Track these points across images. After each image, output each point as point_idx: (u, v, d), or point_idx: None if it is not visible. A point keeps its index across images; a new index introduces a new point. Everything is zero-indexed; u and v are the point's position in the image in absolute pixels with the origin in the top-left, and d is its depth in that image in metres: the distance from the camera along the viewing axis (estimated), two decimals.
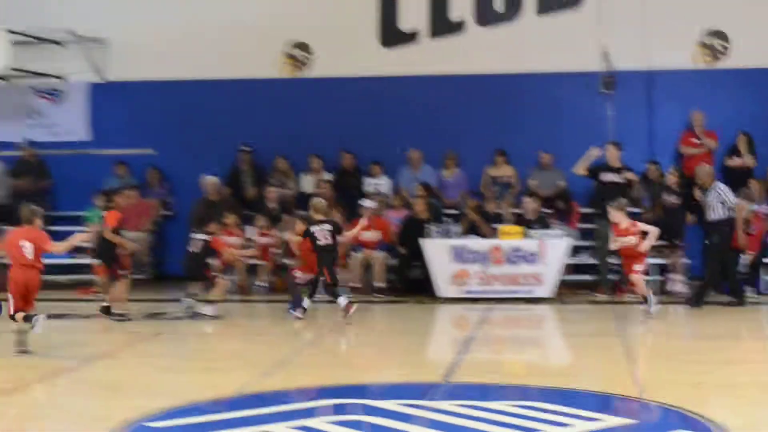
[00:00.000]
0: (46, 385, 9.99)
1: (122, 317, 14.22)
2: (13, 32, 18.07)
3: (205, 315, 14.57)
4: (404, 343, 13.01)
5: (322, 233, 14.18)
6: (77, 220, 18.64)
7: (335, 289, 14.33)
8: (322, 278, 14.26)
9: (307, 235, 14.25)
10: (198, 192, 18.55)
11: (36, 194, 18.91)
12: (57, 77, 19.67)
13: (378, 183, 18.74)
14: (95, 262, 16.98)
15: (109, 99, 19.55)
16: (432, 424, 7.85)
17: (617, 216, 13.91)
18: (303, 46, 19.19)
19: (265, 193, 18.36)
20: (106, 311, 14.43)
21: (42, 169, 19.26)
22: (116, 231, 14.46)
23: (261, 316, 16.32)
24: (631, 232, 13.99)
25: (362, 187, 18.71)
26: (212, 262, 15.58)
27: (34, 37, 19.04)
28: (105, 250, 14.56)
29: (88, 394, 9.68)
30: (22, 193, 18.92)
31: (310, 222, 14.47)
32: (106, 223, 14.50)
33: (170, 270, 19.19)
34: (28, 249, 11.19)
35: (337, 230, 14.34)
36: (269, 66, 19.12)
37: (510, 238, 16.40)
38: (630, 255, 14.24)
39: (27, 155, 19.29)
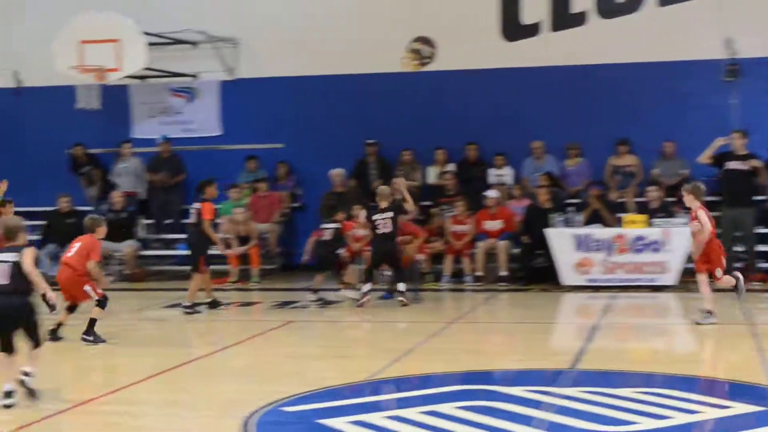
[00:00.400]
0: (183, 372, 10.40)
1: (192, 310, 14.39)
2: (149, 34, 18.74)
3: (341, 300, 14.96)
4: (529, 331, 13.19)
5: (383, 221, 14.46)
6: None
7: (402, 275, 14.65)
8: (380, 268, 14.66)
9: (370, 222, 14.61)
10: (325, 185, 18.98)
11: (171, 188, 19.66)
12: (190, 76, 20.30)
13: (501, 174, 18.93)
14: (230, 252, 17.60)
15: (240, 96, 20.05)
16: (559, 410, 8.03)
17: (687, 199, 13.12)
18: (426, 41, 19.43)
19: (390, 185, 18.65)
20: (215, 305, 14.79)
21: (177, 164, 19.86)
22: (211, 223, 14.66)
23: (387, 304, 16.61)
24: (694, 218, 13.08)
25: (486, 178, 18.92)
26: (341, 251, 15.95)
27: (169, 39, 19.69)
28: (197, 241, 14.69)
29: (224, 380, 10.08)
30: (159, 188, 19.69)
31: (375, 210, 14.80)
32: (203, 215, 14.50)
33: (299, 260, 19.68)
34: (74, 250, 11.74)
35: (400, 213, 14.70)
36: (393, 61, 19.40)
37: (634, 226, 16.44)
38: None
39: (163, 151, 19.94)
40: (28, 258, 8.61)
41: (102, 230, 11.90)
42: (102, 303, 11.65)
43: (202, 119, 20.36)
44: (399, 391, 9.23)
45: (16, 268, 8.56)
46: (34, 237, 19.06)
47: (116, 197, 19.22)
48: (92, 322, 11.66)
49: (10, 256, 8.63)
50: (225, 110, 20.24)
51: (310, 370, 10.42)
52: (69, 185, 19.63)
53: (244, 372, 10.52)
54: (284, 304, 15.46)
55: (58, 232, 18.61)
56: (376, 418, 7.93)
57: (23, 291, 8.60)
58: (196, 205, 14.69)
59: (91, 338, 11.65)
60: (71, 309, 11.85)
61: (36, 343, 8.71)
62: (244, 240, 18.31)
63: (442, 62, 19.36)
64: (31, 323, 8.64)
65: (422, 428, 7.61)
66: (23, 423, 8.11)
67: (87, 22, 18.56)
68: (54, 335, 11.61)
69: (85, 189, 20.18)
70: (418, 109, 19.36)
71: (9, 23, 20.61)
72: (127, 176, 19.90)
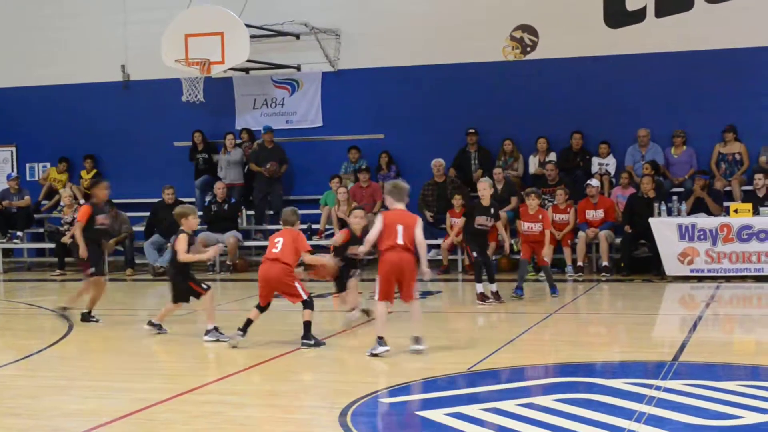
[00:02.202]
0: (285, 362, 10.49)
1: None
2: (252, 27, 18.98)
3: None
4: (631, 322, 13.06)
5: (482, 217, 14.28)
6: (313, 204, 19.49)
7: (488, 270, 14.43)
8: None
9: (467, 216, 14.50)
10: (426, 174, 19.01)
11: (274, 179, 19.88)
12: (293, 68, 20.48)
13: (605, 163, 18.72)
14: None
15: (341, 86, 20.20)
16: (660, 403, 7.94)
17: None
18: (529, 29, 19.31)
19: (491, 174, 18.62)
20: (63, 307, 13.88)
21: (280, 154, 20.10)
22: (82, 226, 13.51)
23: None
24: None
25: (589, 167, 18.74)
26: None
27: (272, 31, 19.89)
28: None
29: (324, 371, 10.18)
30: (262, 178, 19.93)
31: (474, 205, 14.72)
32: (78, 217, 13.70)
33: None
34: (279, 245, 11.19)
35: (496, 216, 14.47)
36: (495, 50, 19.32)
37: (740, 215, 16.13)
38: None
39: (266, 142, 20.18)
40: (180, 244, 10.34)
41: (299, 223, 11.57)
42: (309, 304, 11.14)
43: (305, 110, 20.56)
44: (497, 382, 9.22)
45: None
46: (139, 228, 19.51)
47: (219, 188, 19.50)
48: (307, 325, 11.11)
49: None
50: (327, 101, 20.40)
51: (409, 361, 10.39)
52: (173, 177, 19.99)
53: (344, 362, 10.59)
54: None
55: (163, 223, 18.98)
56: (474, 410, 7.92)
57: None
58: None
59: (311, 342, 11.03)
60: (263, 309, 11.32)
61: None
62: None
63: (545, 50, 19.22)
64: None
65: (520, 421, 7.59)
66: (126, 412, 8.31)
67: (192, 16, 18.88)
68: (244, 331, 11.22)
69: (195, 178, 20.53)
70: (519, 98, 19.27)
71: (117, 18, 21.02)
72: (230, 167, 20.18)
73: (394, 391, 8.78)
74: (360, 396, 8.52)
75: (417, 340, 10.40)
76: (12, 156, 22.25)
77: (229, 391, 9.14)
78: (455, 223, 18.05)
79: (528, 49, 19.40)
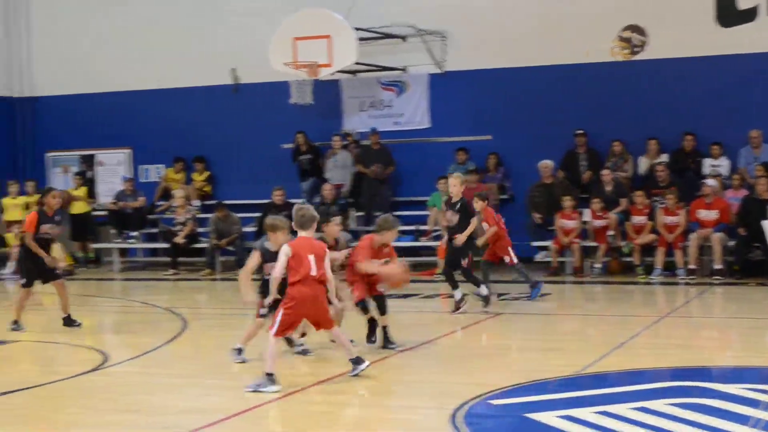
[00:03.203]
0: (393, 362, 10.57)
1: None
2: (359, 29, 19.11)
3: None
4: (745, 326, 12.81)
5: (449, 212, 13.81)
6: (420, 205, 19.54)
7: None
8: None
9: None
10: (534, 176, 18.92)
11: (381, 180, 19.99)
12: (399, 69, 20.54)
13: (717, 164, 18.37)
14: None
15: (448, 88, 20.17)
16: None
17: None
18: (637, 29, 19.06)
19: (600, 176, 18.47)
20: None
21: (386, 156, 20.19)
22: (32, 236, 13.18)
23: (597, 298, 16.48)
24: None
25: (700, 169, 18.43)
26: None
27: (379, 33, 20.01)
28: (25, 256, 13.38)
29: (434, 371, 10.20)
30: (369, 180, 20.04)
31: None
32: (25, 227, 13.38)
33: None
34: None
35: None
36: (604, 50, 19.11)
37: None
38: None
39: (372, 143, 20.30)
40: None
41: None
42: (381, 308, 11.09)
43: (411, 112, 20.60)
44: (609, 386, 9.13)
45: None
46: (250, 229, 19.80)
47: (327, 190, 19.69)
48: (384, 329, 11.17)
49: None
50: (434, 102, 20.41)
51: (519, 363, 10.46)
52: (283, 178, 20.24)
53: (453, 363, 10.59)
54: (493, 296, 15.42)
55: None
56: (584, 413, 7.87)
57: None
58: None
59: (393, 345, 11.07)
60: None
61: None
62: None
63: (654, 50, 18.94)
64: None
65: (632, 424, 7.52)
66: (238, 410, 8.43)
67: (300, 20, 19.08)
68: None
69: (300, 180, 20.73)
70: (629, 99, 19.03)
71: (227, 23, 21.38)
72: (337, 169, 20.34)
73: (504, 392, 8.76)
74: (469, 398, 8.52)
75: (357, 361, 9.49)
76: (127, 158, 22.77)
77: (338, 391, 9.22)
78: (564, 224, 17.95)
79: (637, 49, 19.15)
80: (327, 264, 9.26)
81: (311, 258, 9.11)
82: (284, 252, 9.14)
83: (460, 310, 13.47)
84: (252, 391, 8.90)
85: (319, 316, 9.30)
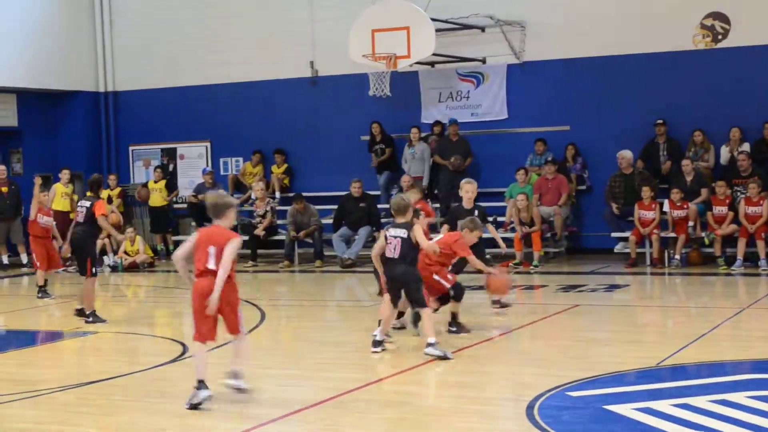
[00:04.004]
0: (471, 354, 10.52)
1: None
2: (437, 20, 19.10)
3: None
4: None
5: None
6: (498, 196, 19.48)
7: None
8: None
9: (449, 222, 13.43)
10: (613, 166, 18.76)
11: (459, 172, 19.94)
12: (478, 60, 20.48)
13: None
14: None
15: (527, 78, 20.06)
16: None
17: None
18: (720, 17, 18.76)
19: (680, 166, 18.23)
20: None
21: (465, 148, 20.14)
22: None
23: (676, 289, 16.29)
24: None
25: None
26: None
27: (457, 24, 19.96)
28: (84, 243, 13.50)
29: (510, 363, 10.20)
30: (447, 171, 20.02)
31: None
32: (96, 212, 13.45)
33: (585, 243, 19.57)
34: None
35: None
36: (685, 38, 18.86)
37: None
38: None
39: (451, 135, 20.25)
40: (418, 233, 10.07)
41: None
42: (457, 295, 11.22)
43: (489, 103, 20.51)
44: (688, 378, 9.04)
45: (407, 242, 10.01)
46: (328, 221, 19.92)
47: (405, 181, 19.71)
48: (454, 315, 11.33)
49: (401, 232, 10.05)
50: (512, 93, 20.31)
51: (597, 355, 10.38)
52: (361, 170, 20.33)
53: (530, 355, 10.58)
54: (570, 288, 15.41)
55: (351, 215, 19.39)
56: (663, 405, 7.81)
57: (410, 261, 10.12)
58: (86, 203, 13.48)
59: (454, 329, 11.30)
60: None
61: (417, 304, 10.27)
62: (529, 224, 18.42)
63: (737, 38, 18.62)
64: (412, 289, 10.14)
65: (712, 417, 7.44)
66: (317, 400, 8.52)
67: (378, 12, 19.12)
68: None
69: (377, 173, 20.80)
70: (710, 88, 18.75)
71: (305, 16, 21.51)
72: (415, 161, 20.36)
73: (582, 384, 8.72)
74: (547, 389, 8.51)
75: (235, 374, 8.77)
76: (207, 151, 23.05)
77: (416, 381, 9.24)
78: (644, 215, 17.78)
79: (719, 37, 18.84)
80: (225, 255, 8.38)
81: (211, 250, 8.41)
82: (191, 238, 8.63)
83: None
84: (189, 407, 8.34)
85: (224, 313, 8.59)
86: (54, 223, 16.21)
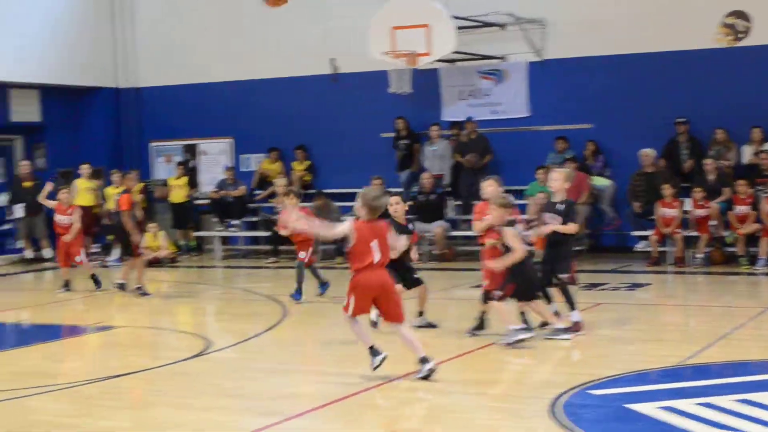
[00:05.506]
0: (489, 352, 10.54)
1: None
2: (457, 18, 19.12)
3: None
4: None
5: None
6: (518, 195, 19.46)
7: None
8: None
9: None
10: (634, 164, 18.74)
11: (478, 170, 19.96)
12: (498, 58, 20.47)
13: None
14: None
15: (547, 76, 20.04)
16: None
17: None
18: (741, 15, 18.69)
19: (703, 165, 18.19)
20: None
21: (484, 145, 20.13)
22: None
23: (698, 288, 16.26)
24: None
25: None
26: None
27: (477, 22, 19.97)
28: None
29: (530, 361, 10.20)
30: (466, 169, 20.05)
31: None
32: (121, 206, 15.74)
33: (605, 241, 19.54)
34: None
35: None
36: (706, 36, 18.80)
37: None
38: None
39: (470, 133, 20.28)
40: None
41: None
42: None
43: (510, 101, 20.50)
44: (711, 377, 9.04)
45: None
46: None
47: (426, 179, 19.76)
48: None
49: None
50: (532, 91, 20.30)
51: (619, 353, 10.39)
52: (382, 168, 20.35)
53: (550, 353, 10.56)
54: (592, 286, 15.37)
55: None
56: (686, 404, 7.82)
57: None
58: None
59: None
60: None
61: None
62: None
63: (759, 36, 18.54)
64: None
65: (735, 416, 7.46)
66: (339, 396, 8.58)
67: (398, 9, 19.13)
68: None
69: (398, 170, 20.84)
70: (732, 86, 18.67)
71: (325, 13, 21.57)
72: (436, 159, 20.39)
73: (604, 383, 8.74)
74: (569, 387, 8.54)
75: (425, 360, 9.15)
76: (229, 148, 23.14)
77: (440, 378, 9.24)
78: (665, 214, 17.75)
79: (741, 35, 18.78)
80: None
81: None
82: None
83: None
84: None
85: None
86: (73, 220, 16.33)
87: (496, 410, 8.26)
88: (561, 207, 11.29)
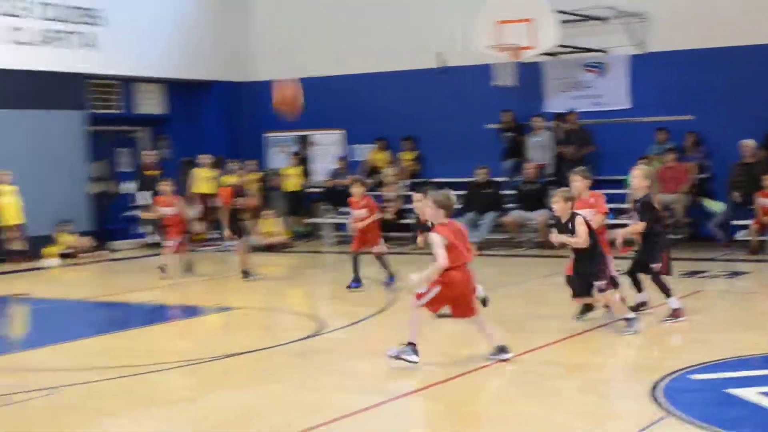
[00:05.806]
0: (593, 336, 10.74)
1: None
2: (560, 12, 19.52)
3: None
4: None
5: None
6: (619, 184, 19.77)
7: None
8: None
9: None
10: (734, 155, 18.90)
11: (580, 161, 20.30)
12: (600, 51, 20.72)
13: None
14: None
15: (649, 69, 20.24)
16: None
17: None
18: None
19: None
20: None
21: (586, 137, 20.45)
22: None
23: None
24: None
25: None
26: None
27: (580, 16, 20.29)
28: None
29: (636, 346, 10.35)
30: (568, 160, 20.43)
31: None
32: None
33: (705, 231, 19.68)
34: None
35: None
36: None
37: None
38: None
39: (572, 124, 20.67)
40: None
41: None
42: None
43: (612, 93, 20.73)
44: None
45: None
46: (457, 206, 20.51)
47: (529, 169, 20.25)
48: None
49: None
50: (634, 83, 20.50)
51: (719, 340, 10.42)
52: (486, 158, 20.88)
53: (652, 338, 10.66)
54: (692, 274, 15.43)
55: (476, 201, 20.09)
56: None
57: None
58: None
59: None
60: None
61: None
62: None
63: None
64: None
65: None
66: (439, 379, 8.94)
67: (503, 3, 19.55)
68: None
69: (502, 159, 21.32)
70: None
71: (433, 9, 22.11)
72: (538, 149, 20.81)
73: (705, 368, 8.83)
74: (669, 371, 8.68)
75: (502, 349, 9.65)
76: (341, 139, 23.89)
77: (541, 361, 9.57)
78: (765, 203, 17.89)
79: None
80: None
81: None
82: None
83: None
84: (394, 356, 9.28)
85: None
86: (176, 210, 17.15)
87: (597, 393, 8.52)
88: (638, 205, 11.53)
